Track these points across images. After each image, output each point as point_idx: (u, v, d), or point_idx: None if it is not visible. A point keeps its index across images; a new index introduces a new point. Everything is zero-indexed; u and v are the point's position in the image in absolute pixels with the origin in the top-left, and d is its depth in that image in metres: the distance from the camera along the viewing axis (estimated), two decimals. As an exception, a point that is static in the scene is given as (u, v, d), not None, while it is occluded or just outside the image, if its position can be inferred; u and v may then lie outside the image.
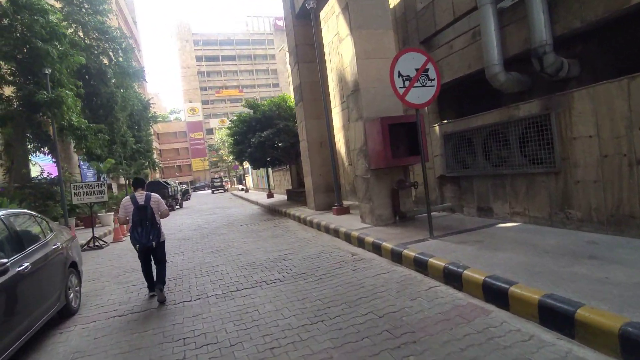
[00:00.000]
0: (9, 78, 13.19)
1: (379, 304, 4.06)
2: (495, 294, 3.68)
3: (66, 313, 4.74)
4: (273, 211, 15.22)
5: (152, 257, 5.26)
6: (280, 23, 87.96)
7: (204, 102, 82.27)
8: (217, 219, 14.91)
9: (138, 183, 5.32)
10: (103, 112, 21.01)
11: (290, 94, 16.17)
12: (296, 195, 15.72)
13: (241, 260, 6.95)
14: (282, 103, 15.36)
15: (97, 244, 10.65)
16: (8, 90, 13.38)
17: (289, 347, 3.33)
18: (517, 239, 5.38)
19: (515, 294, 3.45)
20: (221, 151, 56.99)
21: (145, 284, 5.48)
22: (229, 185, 53.64)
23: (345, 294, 4.50)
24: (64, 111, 12.66)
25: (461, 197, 7.58)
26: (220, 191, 48.32)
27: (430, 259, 4.79)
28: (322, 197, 11.60)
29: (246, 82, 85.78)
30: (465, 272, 4.16)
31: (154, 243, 5.04)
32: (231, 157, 57.75)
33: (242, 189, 39.81)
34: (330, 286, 4.86)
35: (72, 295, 4.89)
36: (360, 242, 6.77)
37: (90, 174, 24.01)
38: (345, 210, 10.03)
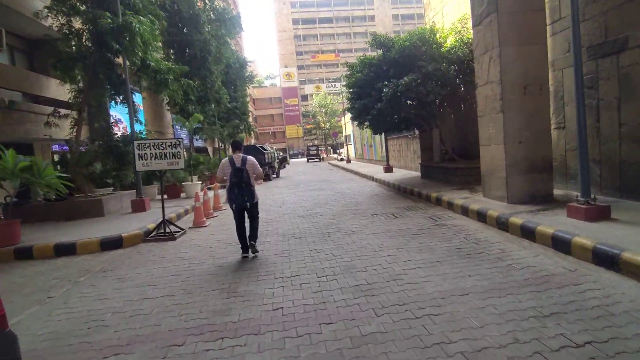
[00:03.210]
0: (81, 7, 10.25)
1: None
2: None
3: None
4: (408, 193, 10.69)
5: (246, 214, 5.47)
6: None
7: (300, 67, 79.47)
8: (329, 199, 10.87)
9: (236, 146, 5.59)
10: (195, 64, 18.13)
11: (435, 25, 11.11)
12: (443, 172, 10.92)
13: (461, 349, 2.62)
14: (430, 36, 10.41)
15: (168, 231, 7.21)
16: (78, 23, 10.50)
17: None
18: None
19: None
20: (318, 117, 53.62)
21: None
22: (325, 155, 50.28)
23: None
24: (137, 44, 9.36)
25: None
26: (316, 160, 45.13)
27: None
28: (521, 181, 6.73)
29: (343, 46, 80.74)
30: None
31: (248, 204, 5.29)
32: (327, 125, 54.12)
33: (342, 159, 35.87)
34: None
35: None
36: None
37: (184, 136, 21.78)
38: (603, 213, 5.11)
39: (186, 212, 9.85)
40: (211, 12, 20.24)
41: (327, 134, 52.83)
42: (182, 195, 12.74)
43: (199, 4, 18.80)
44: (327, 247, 5.63)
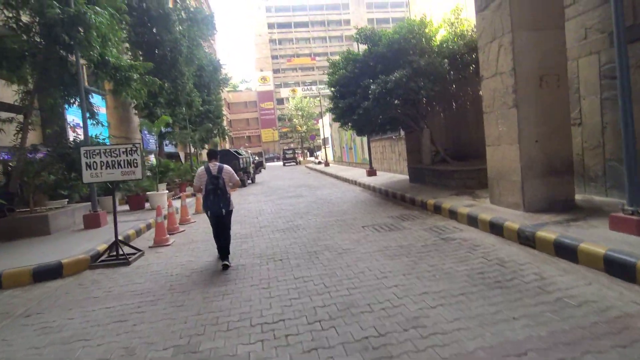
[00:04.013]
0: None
1: None
2: None
3: None
4: (398, 199, 9.74)
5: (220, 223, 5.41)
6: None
7: (275, 71, 78.33)
8: (311, 208, 9.81)
9: (212, 155, 5.61)
10: (165, 66, 16.77)
11: (425, 17, 10.21)
12: (437, 176, 9.99)
13: None
14: (419, 29, 9.49)
15: (121, 253, 5.96)
16: (26, 16, 9.03)
17: None
18: None
19: None
20: (294, 120, 52.52)
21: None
22: (302, 158, 49.17)
23: None
24: (93, 38, 8.10)
25: None
26: (292, 163, 43.95)
27: None
28: (539, 186, 5.86)
29: (319, 50, 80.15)
30: None
31: (223, 211, 5.23)
32: (304, 128, 53.03)
33: (319, 162, 34.87)
34: None
35: None
36: None
37: (152, 141, 20.29)
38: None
39: (148, 227, 8.56)
40: (182, 12, 18.98)
41: (304, 137, 51.74)
42: (147, 206, 11.37)
43: (170, 3, 17.48)
44: (315, 273, 4.56)
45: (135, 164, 6.14)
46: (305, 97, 56.37)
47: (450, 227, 6.30)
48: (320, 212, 9.08)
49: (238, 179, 5.64)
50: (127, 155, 6.11)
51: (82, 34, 7.98)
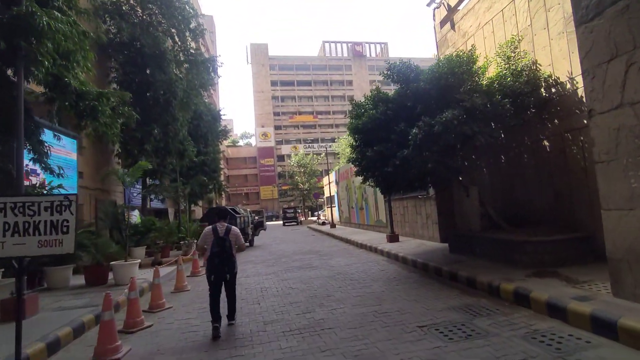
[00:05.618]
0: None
1: None
2: None
3: None
4: (445, 277, 7.21)
5: (223, 286, 5.18)
6: (359, 49, 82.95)
7: (277, 128, 78.14)
8: (330, 287, 7.27)
9: (221, 215, 5.42)
10: (157, 110, 14.93)
11: (476, 51, 8.34)
12: (494, 247, 7.51)
13: None
14: (467, 64, 7.56)
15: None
16: None
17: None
18: None
19: None
20: (296, 177, 50.64)
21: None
22: (303, 217, 46.48)
23: None
24: (45, 50, 6.07)
25: None
26: (293, 224, 41.08)
27: None
28: None
29: (321, 108, 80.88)
30: None
31: (228, 276, 5.08)
32: (307, 186, 50.95)
33: (323, 223, 32.33)
34: None
35: None
36: None
37: (136, 194, 17.81)
38: None
39: (87, 326, 5.87)
40: (181, 53, 17.47)
41: (306, 196, 49.53)
42: (110, 279, 8.68)
43: (168, 43, 15.95)
44: None
45: (64, 229, 3.75)
46: (308, 154, 55.08)
47: (564, 335, 3.86)
48: (345, 295, 6.56)
49: (243, 242, 5.43)
50: (51, 214, 3.74)
51: (29, 43, 5.93)
